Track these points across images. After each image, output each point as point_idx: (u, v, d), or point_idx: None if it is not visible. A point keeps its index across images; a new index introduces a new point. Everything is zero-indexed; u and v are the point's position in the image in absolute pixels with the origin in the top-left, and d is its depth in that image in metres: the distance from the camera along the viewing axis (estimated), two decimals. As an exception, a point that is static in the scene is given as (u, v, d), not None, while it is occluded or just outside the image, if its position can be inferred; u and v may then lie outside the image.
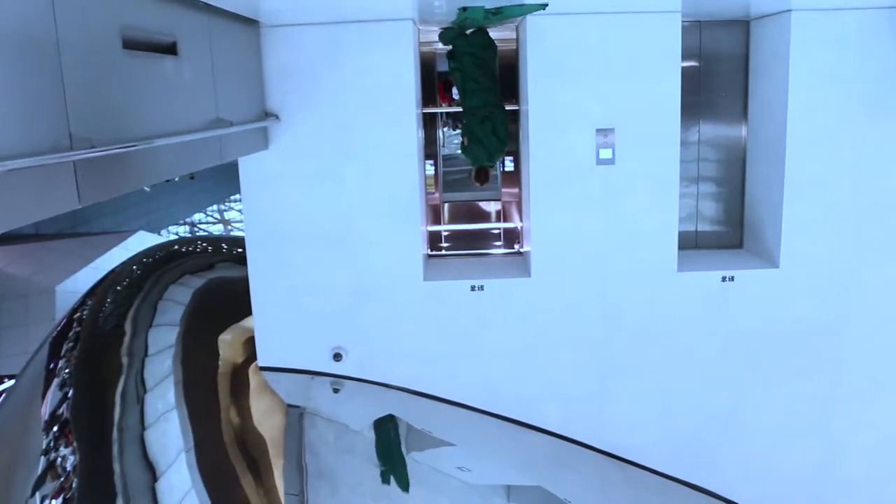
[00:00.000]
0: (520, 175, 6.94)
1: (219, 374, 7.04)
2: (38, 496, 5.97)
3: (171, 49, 3.90)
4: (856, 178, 6.07)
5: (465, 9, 5.75)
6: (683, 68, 6.04)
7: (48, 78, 2.64)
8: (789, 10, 5.80)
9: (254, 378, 6.97)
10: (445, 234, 7.90)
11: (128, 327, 7.20)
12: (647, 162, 6.03)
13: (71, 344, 7.33)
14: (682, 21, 5.90)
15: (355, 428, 6.96)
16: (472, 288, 6.23)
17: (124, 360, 6.83)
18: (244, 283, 6.36)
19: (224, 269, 8.66)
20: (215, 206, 37.15)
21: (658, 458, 6.57)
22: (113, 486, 5.96)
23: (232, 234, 36.04)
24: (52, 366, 7.16)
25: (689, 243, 6.88)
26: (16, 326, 17.16)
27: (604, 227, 6.13)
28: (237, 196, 32.25)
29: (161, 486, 6.07)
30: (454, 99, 7.74)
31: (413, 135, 6.00)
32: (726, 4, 6.26)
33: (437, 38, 6.62)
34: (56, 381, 6.89)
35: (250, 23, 5.56)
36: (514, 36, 6.85)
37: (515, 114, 6.82)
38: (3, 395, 9.42)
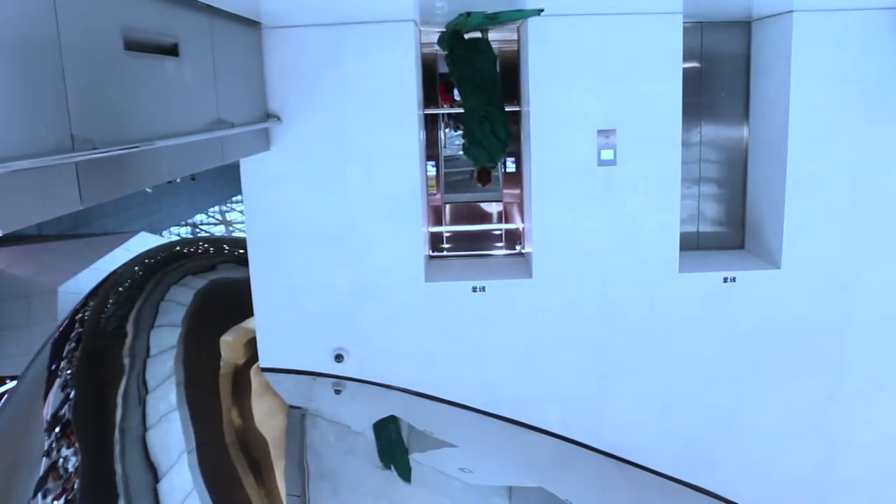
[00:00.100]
0: (521, 176, 6.94)
1: (220, 375, 7.05)
2: (39, 497, 5.98)
3: (172, 50, 3.90)
4: (857, 178, 6.07)
5: (468, 14, 5.80)
6: (685, 69, 6.04)
7: (50, 79, 2.65)
8: (791, 11, 5.80)
9: (255, 379, 6.98)
10: (447, 235, 7.90)
11: (129, 328, 7.21)
12: (648, 163, 6.03)
13: (73, 345, 7.34)
14: (684, 22, 5.91)
15: (357, 429, 6.96)
16: (474, 289, 6.23)
17: (126, 361, 6.84)
18: (246, 284, 6.36)
19: (225, 270, 8.66)
20: (217, 207, 37.24)
21: (658, 459, 6.57)
22: (115, 487, 5.97)
23: (233, 235, 36.08)
24: (53, 367, 7.17)
25: (691, 244, 6.88)
26: (18, 327, 17.17)
27: (605, 228, 6.13)
28: (239, 197, 32.37)
29: (163, 487, 6.08)
30: (456, 100, 7.75)
31: (414, 136, 6.01)
32: (728, 5, 6.27)
33: (438, 39, 6.63)
34: (58, 381, 6.90)
35: (252, 24, 5.57)
36: (515, 37, 6.85)
37: (517, 115, 6.82)
38: (5, 395, 9.43)
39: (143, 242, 19.38)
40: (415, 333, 6.33)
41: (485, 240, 7.98)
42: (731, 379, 6.46)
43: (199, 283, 8.09)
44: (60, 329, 7.83)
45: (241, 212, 33.65)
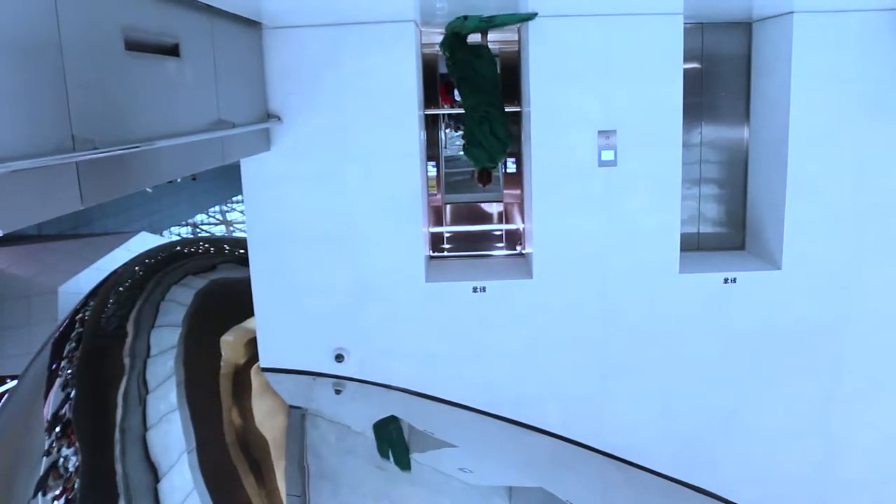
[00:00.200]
0: (522, 176, 6.94)
1: (221, 375, 7.05)
2: (40, 496, 5.98)
3: (173, 50, 3.91)
4: (857, 179, 6.07)
5: (465, 17, 5.90)
6: (686, 70, 6.04)
7: (51, 79, 2.65)
8: (791, 12, 5.80)
9: (256, 379, 6.98)
10: (447, 235, 7.90)
11: (130, 328, 7.22)
12: (649, 164, 6.03)
13: (73, 345, 7.34)
14: (685, 23, 5.90)
15: (357, 429, 6.97)
16: (474, 289, 6.23)
17: (126, 360, 6.85)
18: (246, 284, 6.36)
19: (226, 270, 8.67)
20: (217, 207, 37.27)
21: (658, 459, 6.57)
22: (115, 487, 5.97)
23: (234, 235, 36.10)
24: (54, 366, 7.17)
25: (692, 245, 6.88)
26: (18, 327, 17.19)
27: (606, 228, 6.12)
28: (239, 197, 32.34)
29: (163, 487, 6.08)
30: (456, 100, 7.75)
31: (415, 136, 6.01)
32: (728, 6, 6.27)
33: (438, 40, 6.63)
34: (58, 381, 6.91)
35: (252, 24, 5.58)
36: (516, 38, 6.85)
37: (517, 115, 6.82)
38: (6, 395, 9.43)
39: (143, 242, 19.39)
40: (415, 334, 6.33)
41: (485, 240, 7.99)
42: (732, 379, 6.46)
43: (199, 283, 8.09)
44: (61, 329, 7.84)
45: (241, 212, 33.69)
